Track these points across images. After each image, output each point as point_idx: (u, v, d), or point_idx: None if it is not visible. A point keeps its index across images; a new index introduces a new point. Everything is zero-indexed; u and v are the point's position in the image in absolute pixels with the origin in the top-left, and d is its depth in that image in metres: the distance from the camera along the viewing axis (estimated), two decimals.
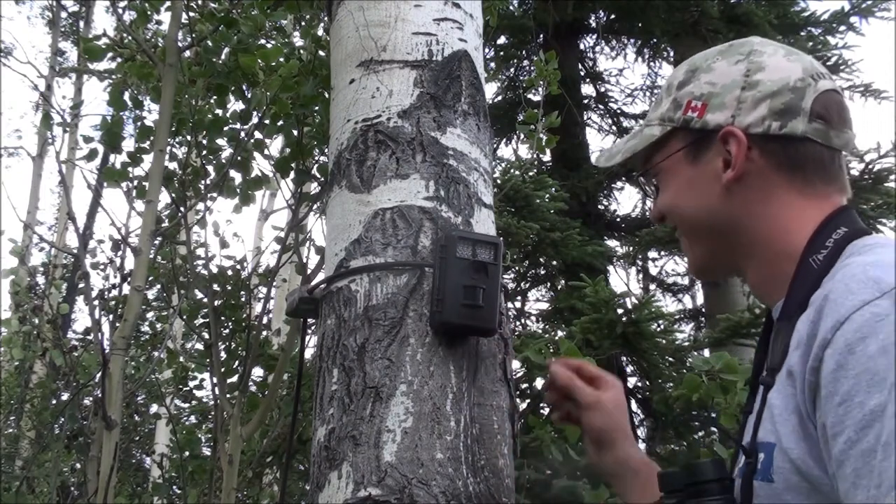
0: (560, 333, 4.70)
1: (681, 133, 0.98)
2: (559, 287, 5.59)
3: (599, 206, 6.28)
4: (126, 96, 2.82)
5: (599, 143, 7.75)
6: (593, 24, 6.73)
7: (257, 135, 2.93)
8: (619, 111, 7.04)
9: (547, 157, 6.12)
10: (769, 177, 0.94)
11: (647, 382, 4.92)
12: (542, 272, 5.67)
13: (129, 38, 3.00)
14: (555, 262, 5.22)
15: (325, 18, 2.33)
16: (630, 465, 1.12)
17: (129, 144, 2.82)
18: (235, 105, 2.98)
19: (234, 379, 3.13)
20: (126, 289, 3.29)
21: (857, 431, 0.73)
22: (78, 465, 5.61)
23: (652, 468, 1.09)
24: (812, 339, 0.80)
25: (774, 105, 0.93)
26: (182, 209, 2.95)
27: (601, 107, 7.04)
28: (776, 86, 0.93)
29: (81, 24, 12.02)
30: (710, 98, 0.96)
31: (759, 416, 0.88)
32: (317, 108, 2.71)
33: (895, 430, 0.70)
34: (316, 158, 2.88)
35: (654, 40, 6.55)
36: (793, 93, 0.93)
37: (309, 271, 2.91)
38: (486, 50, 6.07)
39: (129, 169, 2.81)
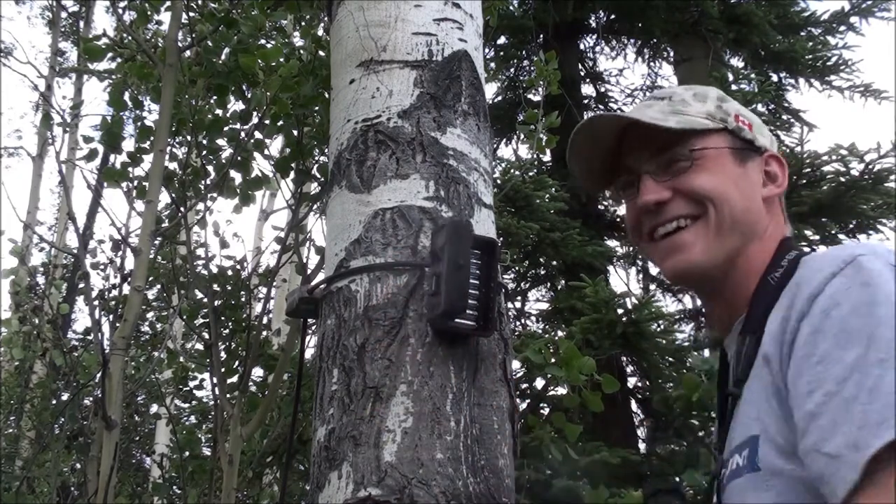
0: (560, 333, 4.70)
1: (727, 135, 1.05)
2: (559, 287, 5.59)
3: (599, 207, 6.27)
4: (126, 96, 2.82)
5: None
6: (593, 24, 6.73)
7: (257, 135, 2.93)
8: (619, 111, 7.02)
9: (547, 157, 6.11)
10: (780, 202, 1.07)
11: (647, 382, 4.92)
12: (542, 272, 5.66)
13: (129, 38, 3.00)
14: (555, 262, 5.22)
15: (325, 18, 2.33)
16: None
17: (129, 144, 2.82)
18: (235, 105, 2.98)
19: (234, 379, 3.12)
20: (126, 289, 3.29)
21: (837, 384, 0.76)
22: (78, 465, 5.61)
23: None
24: (787, 321, 0.85)
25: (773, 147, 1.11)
26: (182, 209, 2.95)
27: (601, 107, 7.03)
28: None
29: (81, 24, 12.00)
30: (754, 123, 1.08)
31: (728, 423, 0.94)
32: (317, 108, 2.71)
33: (877, 377, 0.74)
34: (316, 158, 2.88)
35: (654, 40, 6.55)
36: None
37: (309, 271, 2.91)
38: (486, 50, 6.07)
39: (129, 169, 2.82)
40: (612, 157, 1.10)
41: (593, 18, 6.69)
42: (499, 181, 4.79)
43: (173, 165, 3.00)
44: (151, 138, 2.74)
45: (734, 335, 1.01)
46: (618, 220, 6.30)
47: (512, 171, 4.99)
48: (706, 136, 1.04)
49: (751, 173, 1.04)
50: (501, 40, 6.50)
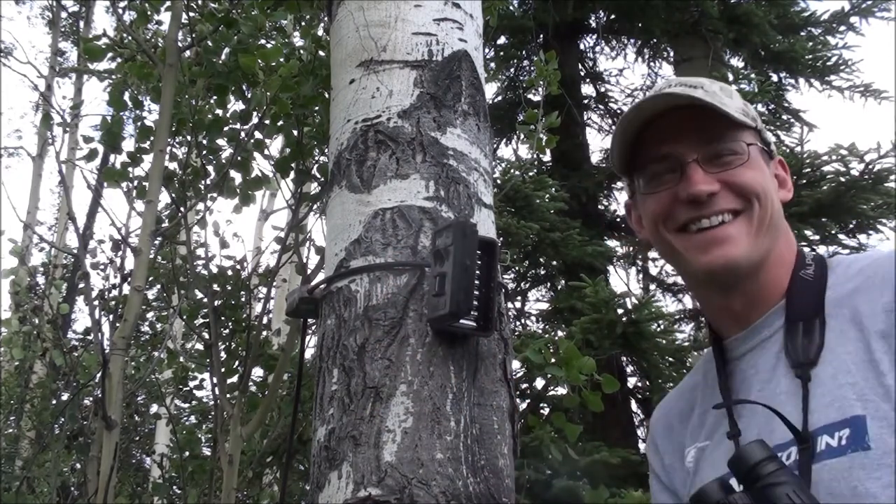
0: (560, 333, 4.70)
1: (757, 135, 1.06)
2: (559, 287, 5.59)
3: (599, 207, 6.27)
4: (126, 96, 2.83)
5: (599, 144, 7.75)
6: (593, 24, 6.73)
7: (257, 135, 2.93)
8: (619, 111, 7.02)
9: (547, 157, 6.11)
10: None
11: (647, 382, 4.92)
12: (542, 272, 5.66)
13: (129, 38, 3.00)
14: (555, 262, 5.22)
15: (325, 18, 2.33)
16: None
17: (129, 144, 2.83)
18: (235, 105, 2.98)
19: (234, 379, 3.13)
20: (126, 289, 3.29)
21: None
22: (78, 465, 5.61)
23: None
24: None
25: None
26: (182, 209, 2.95)
27: (601, 107, 7.04)
28: None
29: (81, 24, 12.01)
30: (764, 129, 1.08)
31: (805, 403, 0.93)
32: (317, 108, 2.71)
33: None
34: (316, 158, 2.89)
35: (654, 40, 6.55)
36: None
37: (309, 271, 2.91)
38: (486, 50, 6.07)
39: (129, 169, 2.82)
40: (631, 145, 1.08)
41: (593, 18, 6.69)
42: (499, 181, 4.79)
43: (173, 165, 3.00)
44: (151, 138, 2.74)
45: (757, 331, 1.03)
46: (618, 219, 6.31)
47: (512, 171, 4.99)
48: (750, 132, 1.05)
49: (771, 176, 1.06)
50: (501, 40, 6.50)
